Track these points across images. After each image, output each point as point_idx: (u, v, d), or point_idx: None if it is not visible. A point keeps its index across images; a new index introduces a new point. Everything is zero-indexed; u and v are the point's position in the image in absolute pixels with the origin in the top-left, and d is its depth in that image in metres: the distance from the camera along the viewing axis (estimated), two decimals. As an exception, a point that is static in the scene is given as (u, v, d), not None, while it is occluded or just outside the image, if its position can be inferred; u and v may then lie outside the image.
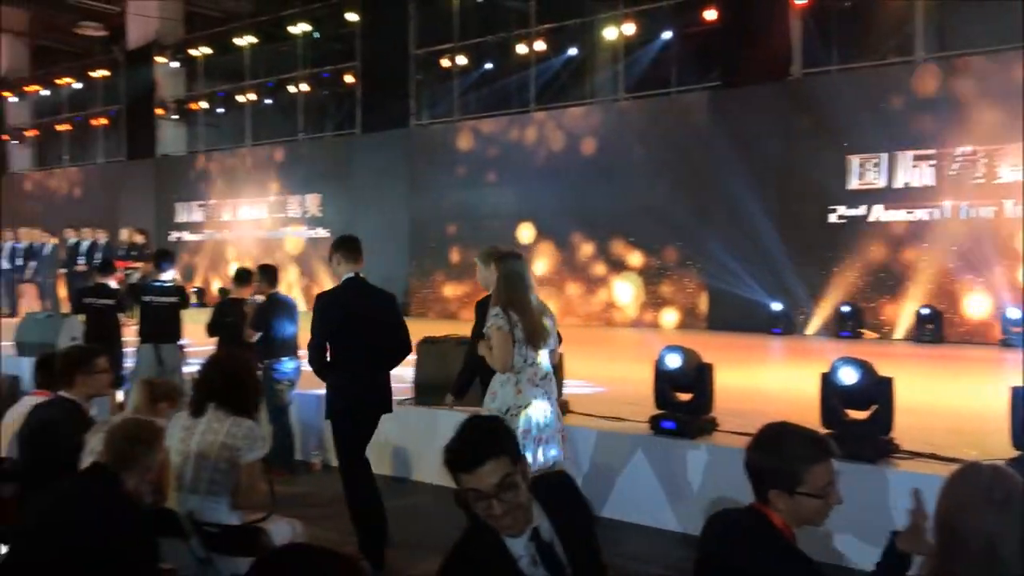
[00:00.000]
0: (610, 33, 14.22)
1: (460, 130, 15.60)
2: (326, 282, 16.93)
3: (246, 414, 3.78)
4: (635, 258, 13.73)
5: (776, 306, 12.27)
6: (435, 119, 16.94)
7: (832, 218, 12.13)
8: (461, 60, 15.64)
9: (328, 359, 4.71)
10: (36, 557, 2.71)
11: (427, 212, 15.73)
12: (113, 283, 8.75)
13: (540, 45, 14.83)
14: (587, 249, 14.14)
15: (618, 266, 13.88)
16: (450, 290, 15.50)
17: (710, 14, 13.28)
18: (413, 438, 6.51)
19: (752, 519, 2.20)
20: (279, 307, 6.94)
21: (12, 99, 22.91)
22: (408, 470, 6.56)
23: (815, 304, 12.26)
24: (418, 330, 8.79)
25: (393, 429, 6.66)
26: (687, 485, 5.27)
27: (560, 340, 4.61)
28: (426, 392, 6.53)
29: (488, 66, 16.08)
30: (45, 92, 22.14)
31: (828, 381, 4.83)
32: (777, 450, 2.21)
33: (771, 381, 8.46)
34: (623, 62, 14.38)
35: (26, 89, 22.38)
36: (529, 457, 3.99)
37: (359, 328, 4.67)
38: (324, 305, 4.75)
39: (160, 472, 3.28)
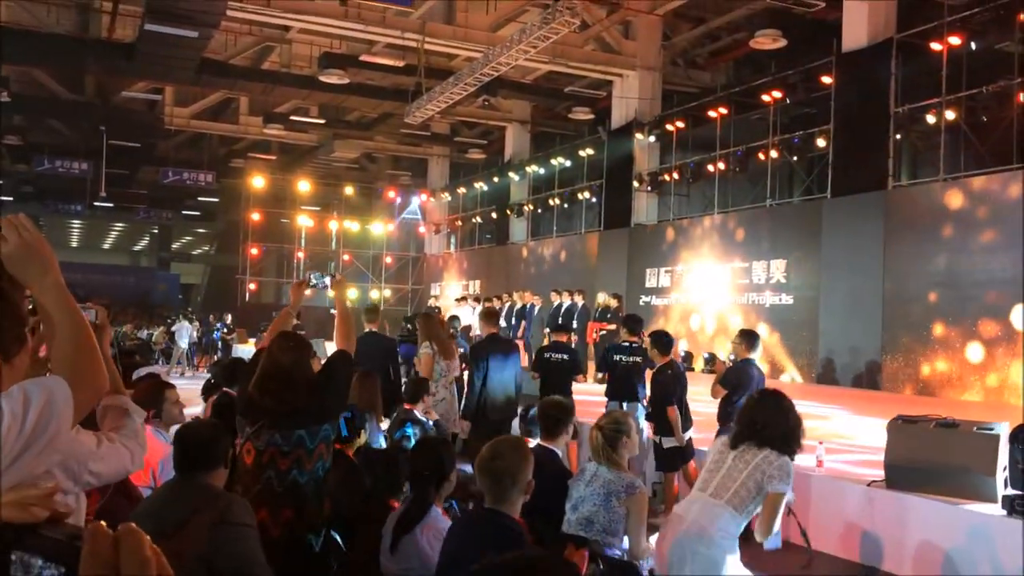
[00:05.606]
0: None
1: (946, 190, 14.13)
2: (776, 349, 16.42)
3: (788, 453, 3.87)
4: None
5: None
6: (917, 179, 15.64)
7: None
8: (950, 115, 14.28)
9: None
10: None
11: (904, 280, 14.45)
12: (564, 339, 9.52)
13: (1050, 90, 12.96)
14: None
15: None
16: (931, 366, 13.97)
17: None
18: (885, 525, 5.93)
19: None
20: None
21: (515, 178, 26.37)
22: (879, 559, 5.97)
23: None
24: (892, 407, 8.07)
25: (863, 513, 6.15)
26: None
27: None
28: (898, 476, 5.92)
29: (983, 119, 14.47)
30: (540, 171, 25.09)
31: None
32: None
33: None
34: None
35: (527, 169, 25.61)
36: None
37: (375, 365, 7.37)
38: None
39: None
